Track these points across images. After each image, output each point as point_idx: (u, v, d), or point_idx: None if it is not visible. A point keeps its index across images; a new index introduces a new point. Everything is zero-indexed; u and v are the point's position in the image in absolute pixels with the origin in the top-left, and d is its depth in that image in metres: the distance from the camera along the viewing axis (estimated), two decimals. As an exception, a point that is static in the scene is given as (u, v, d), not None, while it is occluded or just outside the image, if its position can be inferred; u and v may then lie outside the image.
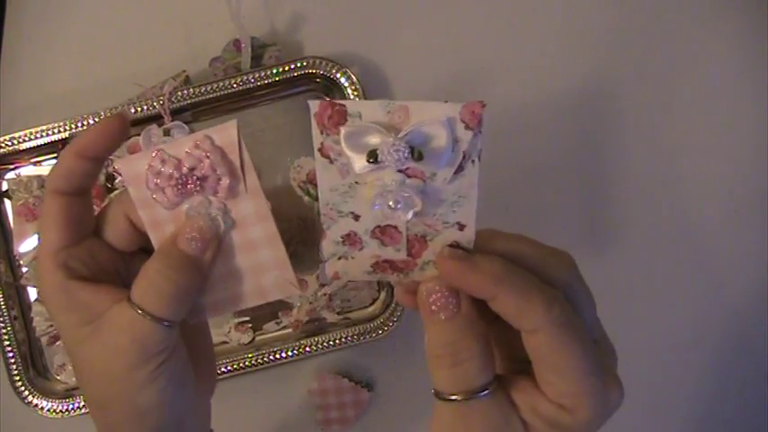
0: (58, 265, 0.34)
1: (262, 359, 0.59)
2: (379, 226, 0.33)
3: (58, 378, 0.60)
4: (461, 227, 0.32)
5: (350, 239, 0.34)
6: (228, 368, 0.59)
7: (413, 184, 0.31)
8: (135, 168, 0.33)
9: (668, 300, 0.62)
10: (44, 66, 0.62)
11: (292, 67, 0.58)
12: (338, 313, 0.60)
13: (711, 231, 0.62)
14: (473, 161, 0.30)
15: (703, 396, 0.62)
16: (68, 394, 0.59)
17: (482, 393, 0.30)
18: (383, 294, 0.60)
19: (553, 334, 0.29)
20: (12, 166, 0.60)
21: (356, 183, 0.32)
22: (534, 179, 0.61)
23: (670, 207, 0.62)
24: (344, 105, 0.33)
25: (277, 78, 0.58)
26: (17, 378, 0.58)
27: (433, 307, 0.30)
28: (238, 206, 0.34)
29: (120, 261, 0.37)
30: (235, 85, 0.58)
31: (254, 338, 0.61)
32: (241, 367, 0.59)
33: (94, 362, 0.34)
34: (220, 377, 0.59)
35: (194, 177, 0.33)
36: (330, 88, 0.60)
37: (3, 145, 0.58)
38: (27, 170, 0.61)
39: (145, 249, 0.36)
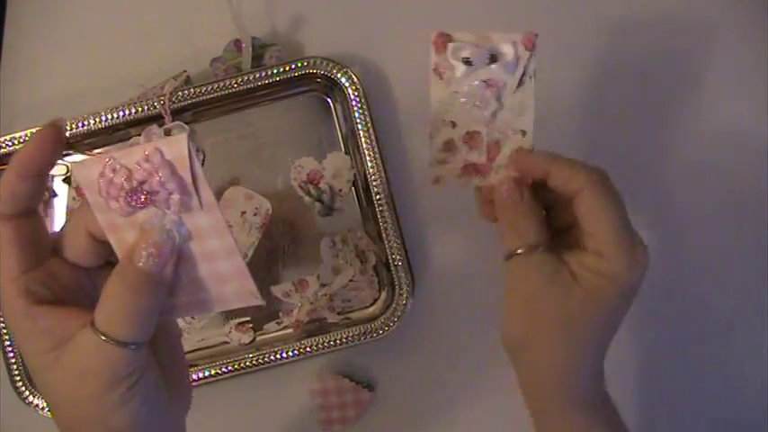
0: (20, 292, 0.33)
1: (262, 359, 0.59)
2: (468, 132, 0.46)
3: (59, 378, 0.60)
4: (523, 133, 0.45)
5: (448, 146, 0.46)
6: (229, 368, 0.59)
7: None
8: (89, 174, 0.32)
9: (668, 299, 0.62)
10: (44, 66, 0.62)
11: (293, 67, 0.58)
12: (339, 313, 0.60)
13: (711, 231, 0.62)
14: (530, 77, 0.44)
15: (703, 396, 0.62)
16: (69, 394, 0.59)
17: (538, 249, 0.40)
18: (384, 294, 0.60)
19: (593, 192, 0.39)
20: (12, 167, 0.60)
21: (455, 92, 0.45)
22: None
23: (670, 207, 0.62)
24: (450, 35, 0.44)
25: (278, 78, 0.58)
26: (18, 378, 0.58)
27: (505, 195, 0.41)
28: (194, 219, 0.33)
29: (84, 278, 0.36)
30: (235, 85, 0.58)
31: (254, 338, 0.61)
32: (242, 367, 0.59)
33: (62, 388, 0.33)
34: (221, 377, 0.59)
35: (144, 191, 0.32)
36: (331, 88, 0.60)
37: (3, 145, 0.58)
38: (28, 170, 0.61)
39: (110, 262, 0.35)
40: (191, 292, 0.35)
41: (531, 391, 0.43)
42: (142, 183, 0.32)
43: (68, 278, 0.35)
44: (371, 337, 0.59)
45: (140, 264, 0.32)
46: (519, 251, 0.40)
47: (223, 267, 0.34)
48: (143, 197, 0.32)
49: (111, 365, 0.32)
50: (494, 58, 0.45)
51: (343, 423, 0.61)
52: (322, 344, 0.59)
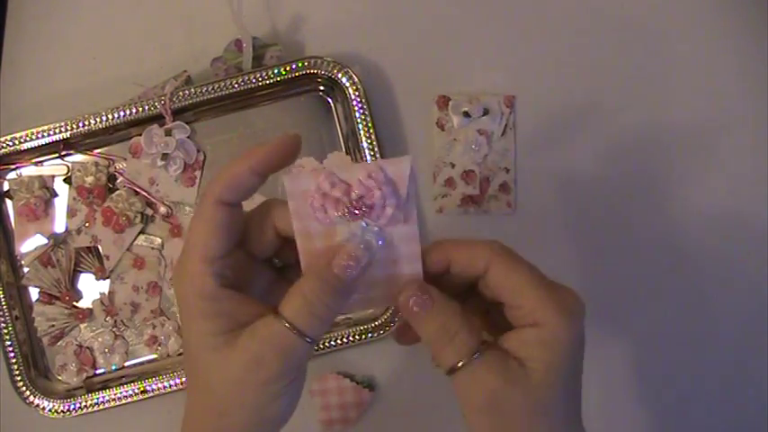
0: (213, 273, 0.34)
1: (263, 359, 0.59)
2: (465, 170, 0.60)
3: (60, 378, 0.60)
4: (507, 170, 0.60)
5: (449, 182, 0.60)
6: (230, 368, 0.59)
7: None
8: (301, 185, 0.34)
9: (668, 299, 0.62)
10: (45, 66, 0.62)
11: (293, 67, 0.58)
12: (339, 313, 0.60)
13: (711, 231, 0.62)
14: (510, 128, 0.60)
15: (703, 396, 0.62)
16: (69, 394, 0.59)
17: (478, 353, 0.35)
18: (384, 294, 0.60)
19: (501, 262, 0.36)
20: (13, 167, 0.60)
21: (454, 139, 0.60)
22: (530, 177, 0.62)
23: (670, 207, 0.62)
24: None
25: (278, 78, 0.58)
26: (18, 378, 0.58)
27: (415, 308, 0.36)
28: (393, 230, 0.36)
29: (259, 270, 0.38)
30: (236, 85, 0.58)
31: (255, 338, 0.61)
32: (242, 367, 0.59)
33: (228, 371, 0.34)
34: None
35: (362, 205, 0.34)
36: (331, 88, 0.60)
37: (4, 145, 0.58)
38: (28, 170, 0.61)
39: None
40: (364, 291, 0.37)
41: None
42: (360, 197, 0.34)
43: (247, 268, 0.37)
44: (371, 337, 0.59)
45: (338, 271, 0.35)
46: (460, 364, 0.36)
47: (402, 271, 0.37)
48: (358, 211, 0.34)
49: (290, 354, 0.34)
50: (486, 112, 0.60)
51: (344, 423, 0.61)
52: (322, 344, 0.59)
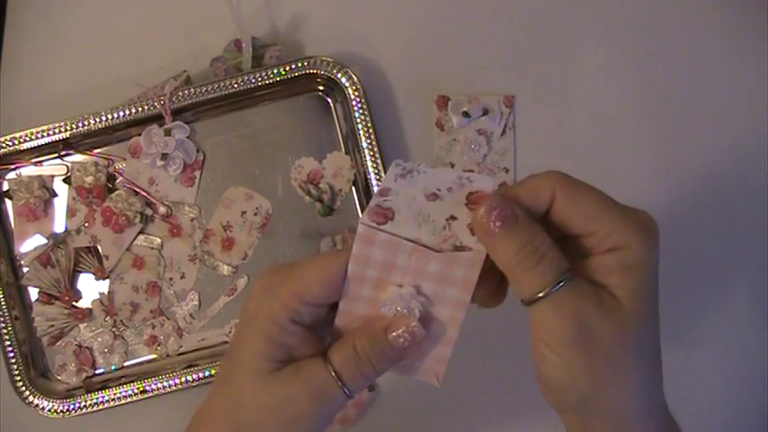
0: (292, 309, 0.34)
1: (263, 359, 0.59)
2: (464, 170, 0.59)
3: (59, 378, 0.60)
4: (506, 170, 0.60)
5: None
6: (229, 368, 0.59)
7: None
8: (372, 251, 0.33)
9: (667, 299, 0.62)
10: (45, 65, 0.62)
11: (293, 66, 0.58)
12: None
13: (711, 231, 0.62)
14: (510, 128, 0.60)
15: (703, 396, 0.62)
16: (69, 394, 0.59)
17: (562, 281, 0.32)
18: (384, 294, 0.60)
19: (565, 188, 0.33)
20: (13, 166, 0.60)
21: (454, 139, 0.60)
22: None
23: (669, 207, 0.62)
24: None
25: (278, 78, 0.58)
26: (18, 378, 0.58)
27: (497, 223, 0.32)
28: (440, 308, 0.35)
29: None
30: (236, 85, 0.58)
31: (254, 338, 0.60)
32: (242, 367, 0.59)
33: (263, 396, 0.35)
34: (221, 377, 0.59)
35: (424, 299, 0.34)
36: (331, 88, 0.60)
37: (4, 145, 0.58)
38: (28, 170, 0.61)
39: None
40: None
41: None
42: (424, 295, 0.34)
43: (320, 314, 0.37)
44: (371, 336, 0.58)
45: (393, 341, 0.35)
46: (543, 293, 0.32)
47: (432, 349, 0.36)
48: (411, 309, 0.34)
49: (326, 401, 0.35)
50: (485, 112, 0.60)
51: (344, 423, 0.61)
52: (322, 344, 0.59)
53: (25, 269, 0.60)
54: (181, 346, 0.60)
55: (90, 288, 0.61)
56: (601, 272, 0.33)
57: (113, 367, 0.61)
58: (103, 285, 0.61)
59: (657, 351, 0.35)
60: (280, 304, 0.34)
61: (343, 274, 0.34)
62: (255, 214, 0.61)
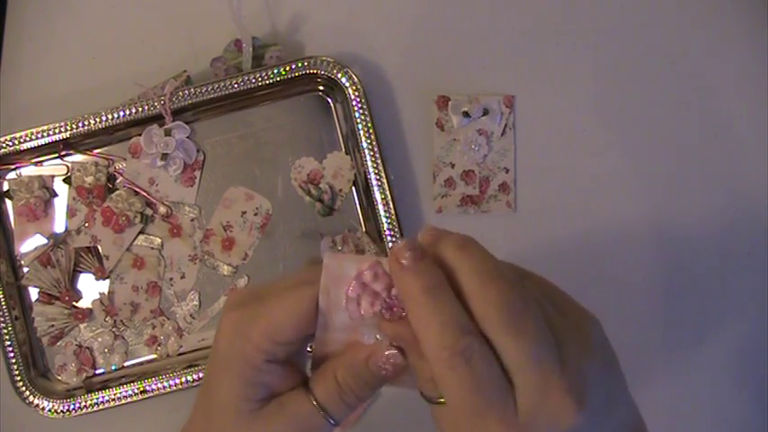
0: (266, 350, 0.33)
1: (263, 359, 0.59)
2: (464, 170, 0.60)
3: (59, 378, 0.60)
4: (506, 170, 0.61)
5: (448, 182, 0.60)
6: (229, 368, 0.59)
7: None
8: (343, 269, 0.32)
9: (667, 299, 0.62)
10: (45, 65, 0.62)
11: (293, 67, 0.58)
12: (339, 313, 0.60)
13: (711, 231, 0.62)
14: (510, 128, 0.61)
15: (703, 396, 0.62)
16: (69, 394, 0.59)
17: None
18: (384, 294, 0.60)
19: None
20: (13, 166, 0.60)
21: (454, 139, 0.61)
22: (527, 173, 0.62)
23: (669, 207, 0.62)
24: None
25: (278, 78, 0.58)
26: (18, 378, 0.58)
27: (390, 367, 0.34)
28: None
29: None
30: (236, 85, 0.58)
31: (255, 338, 0.60)
32: (242, 367, 0.59)
33: None
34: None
35: (398, 304, 0.32)
36: (331, 88, 0.60)
37: (4, 145, 0.58)
38: (28, 170, 0.61)
39: None
40: None
41: None
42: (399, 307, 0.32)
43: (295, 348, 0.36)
44: (372, 336, 0.58)
45: (374, 370, 0.34)
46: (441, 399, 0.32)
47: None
48: (397, 309, 0.32)
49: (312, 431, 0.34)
50: (485, 112, 0.60)
51: (344, 423, 0.60)
52: (322, 344, 0.59)
53: (25, 269, 0.60)
54: (181, 346, 0.60)
55: (90, 288, 0.61)
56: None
57: (113, 367, 0.61)
58: (103, 285, 0.61)
59: None
60: (252, 347, 0.33)
61: (314, 308, 0.33)
62: (255, 214, 0.61)
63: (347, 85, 0.58)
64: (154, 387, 0.58)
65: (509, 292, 0.30)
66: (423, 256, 0.31)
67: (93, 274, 0.60)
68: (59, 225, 0.60)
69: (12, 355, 0.58)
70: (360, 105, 0.58)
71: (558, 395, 0.29)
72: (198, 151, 0.60)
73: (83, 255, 0.60)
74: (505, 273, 0.31)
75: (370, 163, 0.58)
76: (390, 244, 0.58)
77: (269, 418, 0.34)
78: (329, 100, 0.61)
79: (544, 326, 0.30)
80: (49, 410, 0.58)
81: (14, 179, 0.60)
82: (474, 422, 0.30)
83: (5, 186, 0.60)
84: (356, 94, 0.58)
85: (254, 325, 0.33)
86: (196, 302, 0.61)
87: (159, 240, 0.61)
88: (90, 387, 0.59)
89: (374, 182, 0.58)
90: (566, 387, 0.29)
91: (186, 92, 0.58)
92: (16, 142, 0.58)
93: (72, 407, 0.58)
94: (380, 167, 0.58)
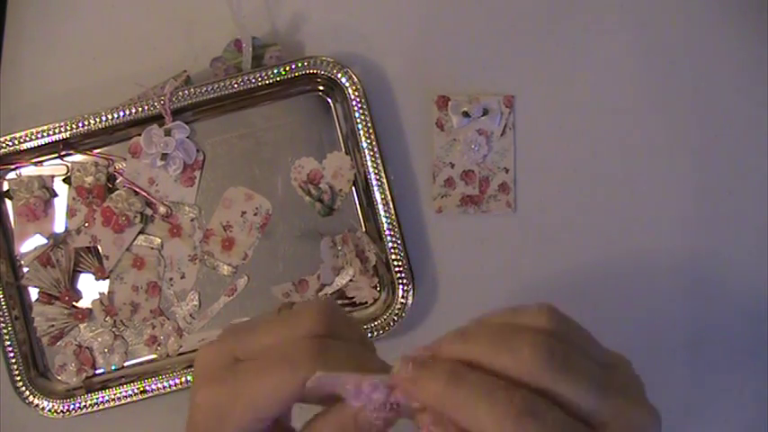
0: (246, 428, 0.32)
1: (263, 359, 0.59)
2: (464, 170, 0.60)
3: (59, 378, 0.60)
4: (506, 170, 0.60)
5: (448, 182, 0.60)
6: (229, 368, 0.59)
7: None
8: (337, 383, 0.32)
9: (667, 299, 0.62)
10: (45, 65, 0.62)
11: (293, 67, 0.58)
12: (339, 313, 0.60)
13: (710, 230, 0.62)
14: (510, 128, 0.61)
15: (703, 396, 0.62)
16: (69, 394, 0.59)
17: None
18: (384, 294, 0.60)
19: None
20: (13, 166, 0.60)
21: (454, 139, 0.60)
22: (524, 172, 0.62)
23: (668, 206, 0.62)
24: None
25: (278, 78, 0.58)
26: (18, 378, 0.58)
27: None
28: None
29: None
30: (236, 85, 0.58)
31: (254, 338, 0.60)
32: (242, 367, 0.59)
33: None
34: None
35: (397, 406, 0.32)
36: (331, 88, 0.60)
37: (4, 145, 0.58)
38: (28, 170, 0.61)
39: None
40: None
41: None
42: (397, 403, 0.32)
43: None
44: (372, 336, 0.58)
45: (364, 426, 0.32)
46: None
47: None
48: (394, 411, 0.32)
49: None
50: (485, 112, 0.60)
51: None
52: (322, 344, 0.58)
53: (25, 269, 0.60)
54: (181, 346, 0.60)
55: (90, 288, 0.61)
56: None
57: (113, 367, 0.61)
58: (103, 285, 0.61)
59: None
60: (233, 425, 0.31)
61: (299, 391, 0.31)
62: (255, 214, 0.61)
63: (347, 85, 0.58)
64: (154, 387, 0.58)
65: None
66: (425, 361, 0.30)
67: (93, 274, 0.60)
68: (59, 225, 0.60)
69: (12, 355, 0.58)
70: (360, 105, 0.58)
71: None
72: (198, 151, 0.60)
73: (83, 255, 0.60)
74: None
75: (370, 163, 0.58)
76: (390, 244, 0.58)
77: None
78: (329, 100, 0.61)
79: None
80: (49, 410, 0.58)
81: (14, 179, 0.60)
82: None
83: (5, 186, 0.60)
84: (356, 94, 0.58)
85: (235, 406, 0.31)
86: (196, 302, 0.61)
87: (159, 240, 0.61)
88: (90, 387, 0.59)
89: (374, 182, 0.58)
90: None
91: (186, 92, 0.58)
92: (16, 142, 0.58)
93: (72, 407, 0.58)
94: (380, 167, 0.58)
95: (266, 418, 0.32)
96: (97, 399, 0.58)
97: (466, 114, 0.60)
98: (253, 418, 0.32)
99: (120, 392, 0.58)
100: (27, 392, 0.58)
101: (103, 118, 0.58)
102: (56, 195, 0.61)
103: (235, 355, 0.33)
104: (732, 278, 0.62)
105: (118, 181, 0.60)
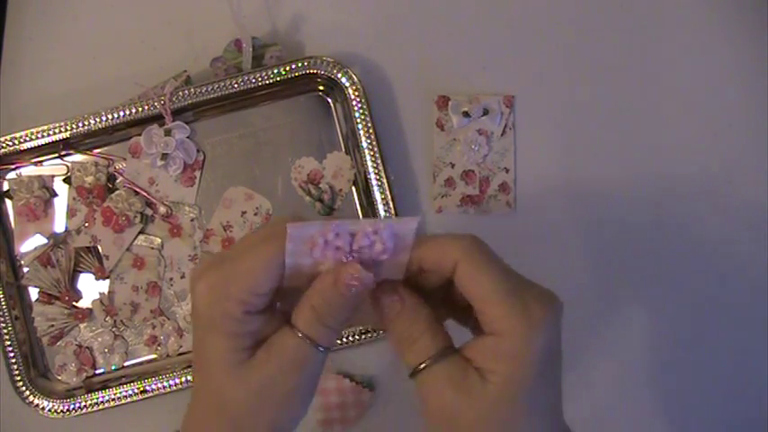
0: (247, 303, 0.34)
1: (263, 359, 0.59)
2: (464, 170, 0.60)
3: (59, 378, 0.60)
4: (507, 170, 0.61)
5: (448, 182, 0.61)
6: (229, 368, 0.59)
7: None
8: (305, 231, 0.34)
9: (668, 299, 0.62)
10: (45, 65, 0.62)
11: (293, 67, 0.58)
12: (339, 313, 0.60)
13: (710, 230, 0.62)
14: (510, 128, 0.61)
15: (703, 396, 0.62)
16: (69, 394, 0.59)
17: (439, 358, 0.35)
18: (384, 294, 0.60)
19: (467, 263, 0.35)
20: (13, 166, 0.60)
21: (454, 139, 0.60)
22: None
23: (668, 206, 0.62)
24: None
25: (278, 78, 0.58)
26: (18, 378, 0.58)
27: (386, 310, 0.37)
28: (380, 269, 0.36)
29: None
30: (236, 85, 0.58)
31: (255, 338, 0.60)
32: (242, 367, 0.59)
33: (247, 389, 0.35)
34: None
35: (360, 254, 0.35)
36: (331, 88, 0.60)
37: (4, 145, 0.58)
38: (28, 170, 0.61)
39: None
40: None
41: None
42: (361, 248, 0.35)
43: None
44: (371, 337, 0.59)
45: (344, 290, 0.35)
46: (422, 365, 0.35)
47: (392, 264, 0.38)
48: (355, 255, 0.35)
49: (306, 365, 0.35)
50: (485, 112, 0.60)
51: (344, 423, 0.61)
52: (322, 344, 0.59)
53: (25, 269, 0.60)
54: (181, 346, 0.60)
55: (90, 288, 0.61)
56: (480, 354, 0.35)
57: (113, 367, 0.61)
58: (103, 285, 0.61)
59: (545, 424, 0.35)
60: (233, 303, 0.34)
61: (283, 258, 0.35)
62: (255, 214, 0.61)
63: (347, 85, 0.58)
64: (154, 387, 0.58)
65: None
66: (400, 304, 0.37)
67: (93, 274, 0.60)
68: (59, 225, 0.60)
69: (12, 355, 0.58)
70: (360, 105, 0.58)
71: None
72: (198, 151, 0.60)
73: (83, 255, 0.60)
74: None
75: (370, 163, 0.58)
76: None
77: (260, 364, 0.35)
78: (329, 100, 0.61)
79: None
80: (49, 410, 0.58)
81: (14, 179, 0.60)
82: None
83: (5, 186, 0.60)
84: (356, 94, 0.58)
85: (234, 283, 0.34)
86: (196, 302, 0.61)
87: (159, 240, 0.61)
88: (90, 387, 0.59)
89: (374, 182, 0.58)
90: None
91: (186, 92, 0.58)
92: (16, 142, 0.58)
93: (72, 407, 0.58)
94: (380, 167, 0.58)
95: (262, 294, 0.35)
96: (97, 399, 0.58)
97: (466, 114, 0.60)
98: (250, 290, 0.34)
99: (120, 392, 0.58)
100: (27, 392, 0.58)
101: (103, 118, 0.58)
102: (56, 195, 0.61)
103: (228, 256, 0.36)
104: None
105: (118, 181, 0.60)
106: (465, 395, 0.34)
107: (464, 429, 0.35)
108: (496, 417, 0.34)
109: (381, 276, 0.36)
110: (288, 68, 0.58)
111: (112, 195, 0.60)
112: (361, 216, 0.61)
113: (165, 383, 0.58)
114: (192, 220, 0.61)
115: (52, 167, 0.61)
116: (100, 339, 0.60)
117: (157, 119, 0.59)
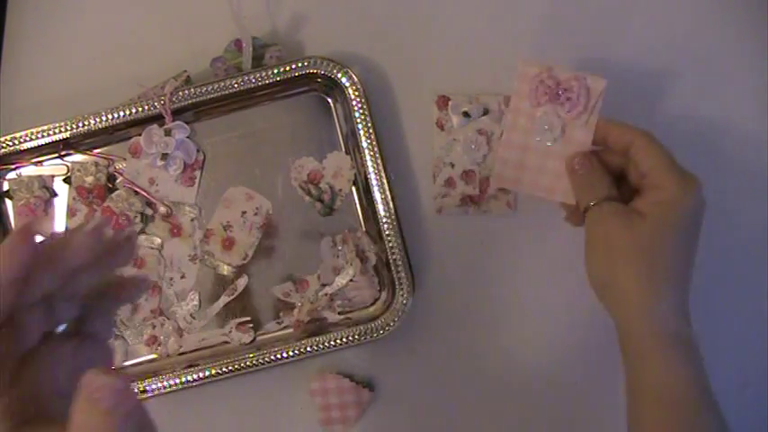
0: (3, 414, 0.30)
1: (263, 359, 0.59)
2: (464, 170, 0.61)
3: (59, 378, 0.60)
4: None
5: (448, 182, 0.61)
6: (229, 368, 0.59)
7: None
8: (529, 70, 0.51)
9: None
10: (45, 66, 0.62)
11: (293, 67, 0.58)
12: (339, 313, 0.60)
13: (711, 230, 0.62)
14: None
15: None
16: (69, 394, 0.59)
17: (609, 199, 0.49)
18: (384, 294, 0.60)
19: (644, 140, 0.49)
20: (13, 166, 0.60)
21: (454, 139, 0.61)
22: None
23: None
24: None
25: (278, 78, 0.58)
26: (18, 378, 0.58)
27: (576, 167, 0.51)
28: (573, 129, 0.52)
29: (57, 379, 0.33)
30: (236, 85, 0.58)
31: (254, 338, 0.61)
32: (242, 367, 0.59)
33: None
34: (222, 377, 0.59)
35: (562, 95, 0.51)
36: (331, 88, 0.60)
37: (4, 145, 0.58)
38: (28, 170, 0.61)
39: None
40: (534, 174, 0.53)
41: (624, 332, 0.49)
42: (565, 90, 0.51)
43: (43, 384, 0.33)
44: (371, 337, 0.59)
45: (578, 167, 0.52)
46: (592, 203, 0.49)
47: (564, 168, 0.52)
48: (561, 96, 0.51)
49: None
50: (485, 112, 0.61)
51: (344, 423, 0.61)
52: (322, 344, 0.59)
53: (25, 269, 0.60)
54: (181, 346, 0.60)
55: (90, 288, 0.61)
56: (642, 202, 0.48)
57: (113, 367, 0.61)
58: (103, 285, 0.61)
59: (679, 272, 0.48)
60: None
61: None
62: (255, 214, 0.61)
63: (347, 85, 0.58)
64: (154, 387, 0.58)
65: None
66: (589, 165, 0.52)
67: (94, 274, 0.60)
68: (59, 225, 0.60)
69: (12, 355, 0.58)
70: (360, 105, 0.58)
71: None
72: (198, 151, 0.60)
73: (83, 255, 0.60)
74: None
75: (370, 163, 0.58)
76: (390, 244, 0.58)
77: None
78: (329, 100, 0.61)
79: None
80: None
81: (14, 179, 0.60)
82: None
83: (5, 186, 0.60)
84: (356, 94, 0.58)
85: None
86: (196, 302, 0.61)
87: (159, 240, 0.61)
88: (90, 387, 0.59)
89: (374, 182, 0.58)
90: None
91: (186, 92, 0.58)
92: (16, 142, 0.58)
93: (72, 407, 0.58)
94: (380, 167, 0.58)
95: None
96: (97, 399, 0.58)
97: (466, 114, 0.60)
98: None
99: (121, 392, 0.58)
100: (27, 392, 0.58)
101: (103, 118, 0.58)
102: (56, 195, 0.61)
103: None
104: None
105: (118, 181, 0.60)
106: (625, 227, 0.47)
107: (618, 251, 0.48)
108: (648, 244, 0.47)
109: (575, 138, 0.51)
110: (288, 68, 0.58)
111: (112, 195, 0.60)
112: (361, 216, 0.61)
113: (165, 383, 0.58)
114: (192, 220, 0.61)
115: (52, 167, 0.61)
116: (100, 339, 0.60)
117: (157, 119, 0.59)
